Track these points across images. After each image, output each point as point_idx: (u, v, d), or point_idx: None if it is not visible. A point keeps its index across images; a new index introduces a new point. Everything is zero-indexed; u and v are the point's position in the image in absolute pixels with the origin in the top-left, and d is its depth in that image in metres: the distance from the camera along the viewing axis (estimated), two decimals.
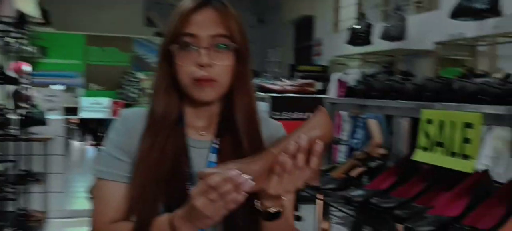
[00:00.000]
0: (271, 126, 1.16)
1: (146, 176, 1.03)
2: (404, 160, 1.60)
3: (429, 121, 1.30)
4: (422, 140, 1.36)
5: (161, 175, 1.03)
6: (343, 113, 5.75)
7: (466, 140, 1.18)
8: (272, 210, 0.98)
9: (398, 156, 2.06)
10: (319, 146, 0.92)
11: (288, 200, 1.02)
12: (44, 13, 7.24)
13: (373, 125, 4.47)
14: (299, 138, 0.92)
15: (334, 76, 6.15)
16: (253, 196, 0.96)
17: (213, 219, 0.91)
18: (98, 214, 1.07)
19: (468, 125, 1.16)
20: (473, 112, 1.17)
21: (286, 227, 1.05)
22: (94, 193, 1.08)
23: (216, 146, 1.09)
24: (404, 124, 1.69)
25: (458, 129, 1.19)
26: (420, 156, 1.38)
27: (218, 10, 1.04)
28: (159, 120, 1.06)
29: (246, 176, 0.88)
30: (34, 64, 5.47)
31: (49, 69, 7.05)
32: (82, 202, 6.34)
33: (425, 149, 1.35)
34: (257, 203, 0.99)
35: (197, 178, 0.93)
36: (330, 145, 0.87)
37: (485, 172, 1.31)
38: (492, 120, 1.23)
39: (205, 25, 1.03)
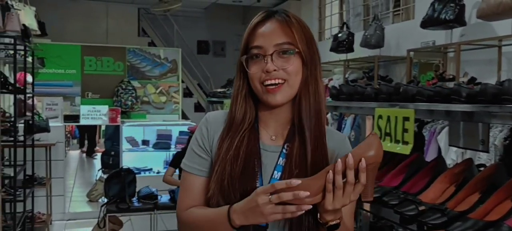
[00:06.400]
0: (335, 138, 1.22)
1: (222, 172, 1.14)
2: None
3: (380, 117, 1.68)
4: (376, 132, 1.73)
5: (235, 173, 1.13)
6: (328, 116, 6.15)
7: (405, 130, 1.55)
8: (332, 223, 1.05)
9: None
10: (363, 163, 0.99)
11: (346, 208, 1.10)
12: (41, 25, 7.53)
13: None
14: (347, 157, 1.00)
15: None
16: (315, 208, 1.04)
17: (266, 218, 1.02)
18: (180, 200, 1.22)
19: (406, 119, 1.54)
20: (408, 109, 1.55)
21: None
22: (181, 181, 1.25)
23: (285, 151, 1.17)
24: (368, 121, 2.07)
25: (400, 122, 1.56)
26: None
27: (280, 21, 1.15)
28: (237, 124, 1.18)
29: (305, 192, 0.98)
30: (33, 75, 5.77)
31: (47, 79, 7.33)
32: (81, 205, 6.67)
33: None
34: (318, 217, 1.06)
35: (265, 180, 1.06)
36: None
37: (418, 154, 1.70)
38: (427, 114, 1.61)
39: (269, 36, 1.13)
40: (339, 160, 1.00)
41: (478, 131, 1.69)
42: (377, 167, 1.05)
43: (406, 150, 1.53)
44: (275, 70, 1.12)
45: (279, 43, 1.13)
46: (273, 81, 1.12)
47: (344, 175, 1.00)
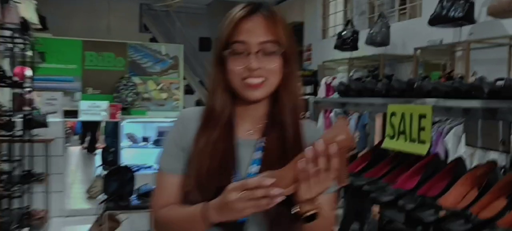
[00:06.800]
0: (312, 128, 1.22)
1: (200, 167, 1.12)
2: (375, 148, 1.89)
3: (393, 114, 1.57)
4: (389, 130, 1.63)
5: (212, 168, 1.11)
6: (331, 115, 6.05)
7: (422, 128, 1.45)
8: (309, 213, 1.03)
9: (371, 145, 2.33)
10: (334, 147, 0.96)
11: (326, 198, 1.08)
12: (42, 19, 7.44)
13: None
14: (317, 143, 0.97)
15: (323, 80, 6.44)
16: (292, 200, 1.01)
17: (241, 214, 0.99)
18: (156, 198, 1.19)
19: (422, 116, 1.44)
20: (425, 105, 1.45)
21: (326, 224, 1.11)
22: (155, 181, 1.21)
23: (262, 145, 1.16)
24: (377, 119, 1.97)
25: (415, 119, 1.46)
26: (387, 143, 1.66)
27: (266, 17, 1.11)
28: (214, 118, 1.15)
29: (278, 190, 0.96)
30: (33, 69, 5.67)
31: (47, 74, 7.23)
32: (80, 202, 6.58)
33: (391, 137, 1.63)
34: (295, 208, 1.03)
35: (242, 175, 1.04)
36: (351, 148, 1.04)
37: (435, 154, 1.59)
38: (444, 112, 1.51)
39: (254, 32, 1.09)
40: (310, 147, 0.98)
41: (498, 130, 1.59)
42: (349, 150, 1.02)
43: (423, 149, 1.43)
44: (258, 68, 1.10)
45: (264, 41, 1.10)
46: (255, 80, 1.10)
47: (316, 162, 0.97)
